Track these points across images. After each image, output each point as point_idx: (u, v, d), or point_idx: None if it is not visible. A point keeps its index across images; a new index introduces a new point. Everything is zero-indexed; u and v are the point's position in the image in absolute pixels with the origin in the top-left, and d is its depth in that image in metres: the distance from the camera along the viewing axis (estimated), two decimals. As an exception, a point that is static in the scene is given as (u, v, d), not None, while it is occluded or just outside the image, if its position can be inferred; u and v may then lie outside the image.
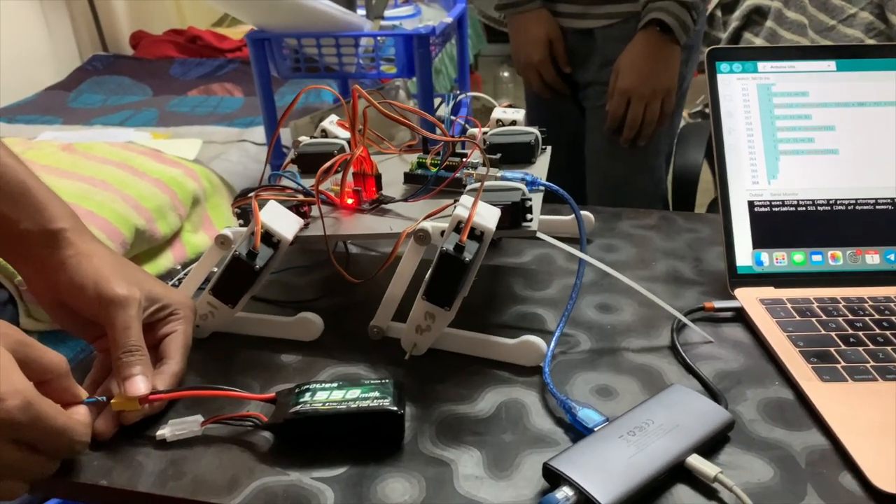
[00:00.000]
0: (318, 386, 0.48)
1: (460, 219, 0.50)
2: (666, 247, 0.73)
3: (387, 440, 0.47)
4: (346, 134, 0.73)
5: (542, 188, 0.59)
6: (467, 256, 0.48)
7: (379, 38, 1.41)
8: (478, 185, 0.57)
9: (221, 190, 1.51)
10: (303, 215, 0.59)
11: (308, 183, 0.61)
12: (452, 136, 0.60)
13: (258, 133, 1.88)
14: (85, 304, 0.49)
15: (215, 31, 2.69)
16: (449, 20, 1.59)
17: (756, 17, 1.57)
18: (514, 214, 0.54)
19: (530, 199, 0.54)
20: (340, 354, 0.57)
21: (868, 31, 1.41)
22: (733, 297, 0.62)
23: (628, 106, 1.16)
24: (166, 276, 1.01)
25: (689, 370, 0.54)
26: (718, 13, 1.65)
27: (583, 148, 1.33)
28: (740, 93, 0.66)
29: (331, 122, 0.75)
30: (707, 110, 1.41)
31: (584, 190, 1.35)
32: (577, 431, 0.48)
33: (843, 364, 0.52)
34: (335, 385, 0.48)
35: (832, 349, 0.54)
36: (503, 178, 0.60)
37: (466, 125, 0.75)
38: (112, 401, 0.47)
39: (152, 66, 2.50)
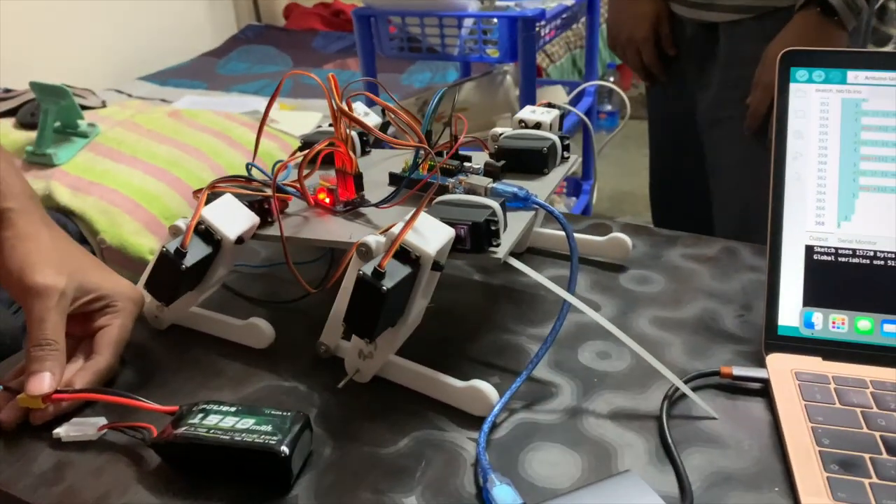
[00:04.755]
0: (214, 407, 0.43)
1: (395, 237, 0.43)
2: (714, 287, 0.61)
3: (273, 481, 0.41)
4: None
5: (534, 207, 0.51)
6: (386, 284, 0.41)
7: (484, 19, 1.33)
8: (455, 195, 0.49)
9: (317, 166, 1.50)
10: (266, 212, 0.54)
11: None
12: (420, 141, 0.53)
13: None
14: (10, 290, 0.48)
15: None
16: (570, 2, 1.47)
17: (939, 11, 1.31)
18: (476, 237, 0.46)
19: (497, 221, 0.46)
20: (281, 369, 0.52)
21: None
22: (763, 365, 0.50)
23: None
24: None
25: (668, 454, 0.43)
26: (892, 5, 1.39)
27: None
28: (817, 108, 0.53)
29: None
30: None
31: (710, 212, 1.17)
32: (494, 509, 0.39)
33: (873, 480, 0.39)
34: (233, 410, 0.43)
35: (868, 456, 0.41)
36: (493, 191, 0.52)
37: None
38: (18, 396, 0.45)
39: (297, 38, 2.57)
